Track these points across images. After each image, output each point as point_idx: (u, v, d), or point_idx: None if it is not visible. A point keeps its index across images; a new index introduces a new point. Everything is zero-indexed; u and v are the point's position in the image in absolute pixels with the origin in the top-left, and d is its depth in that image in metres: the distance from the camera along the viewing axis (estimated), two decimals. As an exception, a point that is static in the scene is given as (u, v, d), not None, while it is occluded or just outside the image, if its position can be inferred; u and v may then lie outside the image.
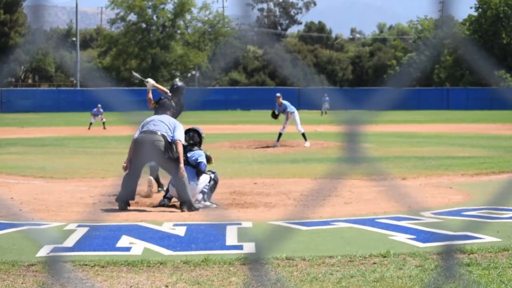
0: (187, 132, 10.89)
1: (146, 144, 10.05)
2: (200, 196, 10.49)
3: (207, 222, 8.96)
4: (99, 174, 14.79)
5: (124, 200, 10.00)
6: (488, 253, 7.04)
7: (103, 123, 36.04)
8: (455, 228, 8.22)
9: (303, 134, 22.17)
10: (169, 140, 10.13)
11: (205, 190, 10.62)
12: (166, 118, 10.48)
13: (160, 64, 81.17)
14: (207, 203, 10.50)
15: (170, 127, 10.27)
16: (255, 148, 22.27)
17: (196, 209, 9.95)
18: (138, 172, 10.17)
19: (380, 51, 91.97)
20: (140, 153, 10.08)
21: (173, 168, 10.04)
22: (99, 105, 36.90)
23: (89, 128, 35.03)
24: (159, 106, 10.90)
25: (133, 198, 10.16)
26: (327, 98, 51.01)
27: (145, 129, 10.24)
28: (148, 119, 10.46)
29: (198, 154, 10.82)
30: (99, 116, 36.69)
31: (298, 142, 22.96)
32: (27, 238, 7.80)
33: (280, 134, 22.30)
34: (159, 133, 10.13)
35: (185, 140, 10.59)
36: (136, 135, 10.26)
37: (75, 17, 78.13)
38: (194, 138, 11.03)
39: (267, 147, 22.49)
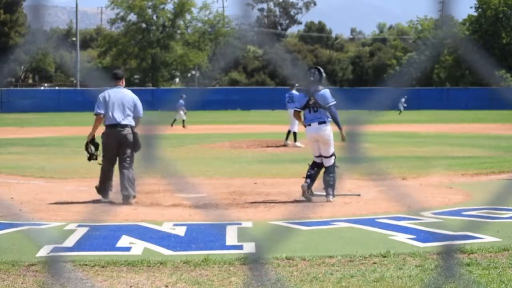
0: (308, 70, 11.12)
1: (117, 137, 10.63)
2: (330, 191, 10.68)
3: (207, 222, 8.96)
4: (99, 174, 14.77)
5: (104, 188, 10.72)
6: (488, 253, 7.04)
7: (183, 120, 34.90)
8: (455, 228, 8.22)
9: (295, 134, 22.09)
10: (134, 130, 10.66)
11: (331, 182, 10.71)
12: (126, 98, 10.81)
13: (160, 64, 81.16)
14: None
15: (131, 109, 10.74)
16: (255, 148, 22.27)
17: (130, 204, 10.39)
18: (114, 161, 10.77)
19: (380, 51, 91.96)
20: (113, 145, 10.64)
21: (128, 158, 10.62)
22: (183, 95, 35.15)
23: (171, 125, 33.95)
24: (113, 77, 11.12)
25: (110, 187, 10.73)
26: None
27: (117, 119, 10.64)
28: (111, 98, 10.71)
29: (326, 94, 10.77)
30: (182, 111, 35.06)
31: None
32: (27, 238, 7.80)
33: (294, 133, 22.08)
34: (128, 127, 10.64)
35: (307, 78, 10.83)
36: (100, 111, 10.72)
37: (75, 17, 78.14)
38: (314, 75, 10.91)
39: (267, 147, 22.49)
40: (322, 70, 11.11)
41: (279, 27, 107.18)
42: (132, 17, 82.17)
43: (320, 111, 10.80)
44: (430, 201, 10.64)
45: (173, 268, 6.53)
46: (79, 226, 8.42)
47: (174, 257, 6.94)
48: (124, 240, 7.73)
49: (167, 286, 6.01)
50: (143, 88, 73.51)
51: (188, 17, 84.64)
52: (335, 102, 10.80)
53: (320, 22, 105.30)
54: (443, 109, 64.69)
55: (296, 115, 11.25)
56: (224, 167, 16.46)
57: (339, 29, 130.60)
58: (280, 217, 9.08)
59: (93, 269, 6.48)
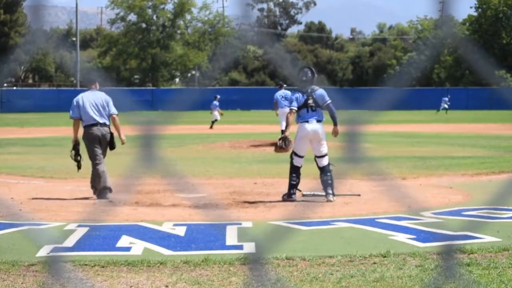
0: (300, 71, 11.17)
1: (98, 134, 11.23)
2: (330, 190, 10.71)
3: (207, 222, 8.96)
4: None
5: (105, 187, 11.04)
6: (488, 253, 7.04)
7: (214, 121, 34.31)
8: (455, 228, 8.22)
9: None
10: (110, 130, 11.39)
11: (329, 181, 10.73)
12: (98, 99, 11.26)
13: (160, 64, 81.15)
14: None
15: (106, 108, 11.26)
16: (255, 148, 22.27)
17: (107, 199, 10.80)
18: (100, 156, 11.32)
19: (380, 51, 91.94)
20: (95, 141, 11.25)
21: (101, 154, 11.25)
22: (217, 96, 34.52)
23: (211, 127, 33.80)
24: (85, 81, 11.76)
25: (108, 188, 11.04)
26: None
27: (95, 118, 11.17)
28: (85, 101, 11.21)
29: (323, 93, 10.90)
30: (217, 111, 34.43)
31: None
32: (27, 238, 7.80)
33: None
34: (106, 126, 11.33)
35: (299, 78, 10.91)
36: (75, 114, 11.29)
37: (75, 17, 78.10)
38: (307, 75, 10.98)
39: (267, 146, 22.48)
40: (314, 70, 11.15)
41: (279, 27, 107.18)
42: (132, 17, 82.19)
43: (318, 110, 10.89)
44: (430, 201, 10.64)
45: (173, 268, 6.53)
46: (79, 226, 8.42)
47: (174, 257, 6.94)
48: (124, 240, 7.73)
49: (167, 286, 6.01)
50: (143, 88, 73.53)
51: (188, 17, 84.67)
52: (331, 101, 10.95)
53: (320, 22, 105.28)
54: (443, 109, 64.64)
55: (292, 115, 11.13)
56: (224, 167, 16.46)
57: (339, 29, 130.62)
58: (280, 217, 9.08)
59: (93, 269, 6.48)
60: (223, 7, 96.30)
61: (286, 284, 6.04)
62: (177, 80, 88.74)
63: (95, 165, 11.15)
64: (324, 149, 10.93)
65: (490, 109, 61.67)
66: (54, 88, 76.72)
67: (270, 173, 14.97)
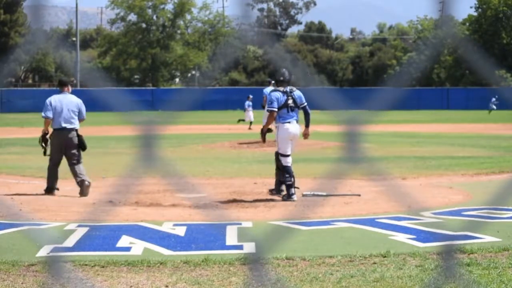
0: (277, 71, 11.24)
1: (63, 140, 11.79)
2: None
3: (207, 222, 8.96)
4: (99, 174, 14.77)
5: (51, 187, 11.74)
6: (488, 253, 7.04)
7: (250, 122, 34.18)
8: (455, 228, 8.22)
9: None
10: (79, 133, 11.90)
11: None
12: (70, 103, 11.83)
13: (160, 64, 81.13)
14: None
15: (76, 113, 11.83)
16: (255, 148, 22.26)
17: (86, 194, 11.37)
18: (59, 162, 11.93)
19: (380, 51, 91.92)
20: (58, 147, 11.82)
21: (75, 156, 11.79)
22: (250, 96, 34.20)
23: (249, 128, 33.55)
24: (59, 84, 12.32)
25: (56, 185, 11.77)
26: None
27: (63, 124, 11.72)
28: (58, 104, 11.76)
29: (301, 95, 10.91)
30: (250, 110, 34.11)
31: (298, 142, 22.97)
32: (27, 238, 7.80)
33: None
34: (74, 130, 11.80)
35: (277, 77, 10.94)
36: (47, 114, 11.87)
37: (75, 17, 78.08)
38: (285, 75, 10.96)
39: (267, 147, 22.47)
40: (290, 71, 11.12)
41: (279, 27, 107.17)
42: (132, 17, 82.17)
43: (296, 111, 10.93)
44: (430, 201, 10.64)
45: (173, 268, 6.53)
46: (79, 226, 8.42)
47: (174, 257, 6.94)
48: (124, 240, 7.73)
49: (167, 286, 6.01)
50: (143, 88, 73.50)
51: (188, 17, 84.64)
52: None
53: (320, 22, 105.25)
54: (443, 109, 64.69)
55: (273, 115, 10.90)
56: (224, 167, 16.46)
57: (339, 29, 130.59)
58: (280, 217, 9.08)
59: (93, 269, 6.48)
60: (223, 7, 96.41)
61: (286, 284, 6.04)
62: (177, 80, 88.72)
63: (51, 165, 11.91)
64: (292, 149, 11.07)
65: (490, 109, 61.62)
66: (54, 88, 76.64)
67: (270, 173, 14.92)
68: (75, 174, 11.68)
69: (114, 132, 29.86)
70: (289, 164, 10.97)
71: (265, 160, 18.32)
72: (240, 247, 7.34)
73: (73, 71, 76.36)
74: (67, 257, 6.79)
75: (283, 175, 10.92)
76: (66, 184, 13.13)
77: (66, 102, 11.79)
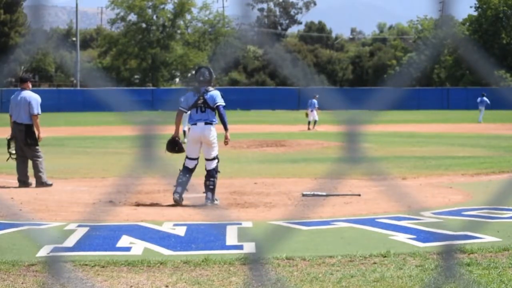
0: (197, 70, 10.89)
1: (16, 133, 12.58)
2: (210, 195, 10.46)
3: (207, 222, 8.96)
4: (99, 174, 14.79)
5: (20, 180, 12.51)
6: (488, 253, 7.04)
7: (314, 122, 33.45)
8: (455, 228, 8.22)
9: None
10: (25, 128, 12.48)
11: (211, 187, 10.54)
12: (23, 99, 12.50)
13: (160, 64, 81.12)
14: (215, 202, 10.48)
15: (26, 108, 12.45)
16: (255, 148, 22.26)
17: (49, 185, 12.30)
18: (20, 153, 12.65)
19: (380, 51, 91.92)
20: (15, 139, 12.66)
21: (30, 151, 12.49)
22: (317, 95, 32.74)
23: (308, 129, 33.09)
24: (19, 81, 12.99)
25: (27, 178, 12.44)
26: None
27: (14, 118, 12.57)
28: (13, 101, 12.60)
29: (216, 95, 10.49)
30: (313, 111, 33.35)
31: (298, 142, 23.04)
32: (27, 238, 7.80)
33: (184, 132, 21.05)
34: (22, 125, 12.47)
35: (196, 78, 10.64)
36: (9, 111, 12.71)
37: (75, 17, 78.10)
38: (205, 75, 10.63)
39: (267, 147, 22.49)
40: (212, 70, 10.82)
41: (279, 27, 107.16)
42: (132, 17, 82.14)
43: (208, 112, 10.52)
44: (430, 201, 10.64)
45: (173, 268, 6.53)
46: (79, 226, 8.42)
47: (174, 257, 6.94)
48: (124, 240, 7.73)
49: (167, 286, 6.01)
50: (143, 88, 73.50)
51: (188, 17, 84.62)
52: (224, 104, 10.57)
53: (320, 22, 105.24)
54: (443, 109, 64.69)
55: (180, 115, 10.68)
56: (224, 167, 16.45)
57: (339, 29, 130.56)
58: (280, 217, 9.08)
59: (93, 269, 6.48)
60: (223, 7, 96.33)
61: (286, 284, 6.04)
62: (177, 80, 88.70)
63: (17, 158, 12.64)
64: (214, 152, 10.63)
65: (490, 109, 61.64)
66: (54, 88, 76.66)
67: (270, 173, 14.97)
68: (20, 170, 12.60)
69: (114, 132, 29.86)
70: (190, 167, 10.58)
71: (265, 160, 18.33)
72: (240, 247, 7.34)
73: (73, 71, 76.42)
74: (67, 257, 6.79)
75: (180, 172, 10.58)
76: (66, 184, 13.14)
77: (20, 98, 12.56)
